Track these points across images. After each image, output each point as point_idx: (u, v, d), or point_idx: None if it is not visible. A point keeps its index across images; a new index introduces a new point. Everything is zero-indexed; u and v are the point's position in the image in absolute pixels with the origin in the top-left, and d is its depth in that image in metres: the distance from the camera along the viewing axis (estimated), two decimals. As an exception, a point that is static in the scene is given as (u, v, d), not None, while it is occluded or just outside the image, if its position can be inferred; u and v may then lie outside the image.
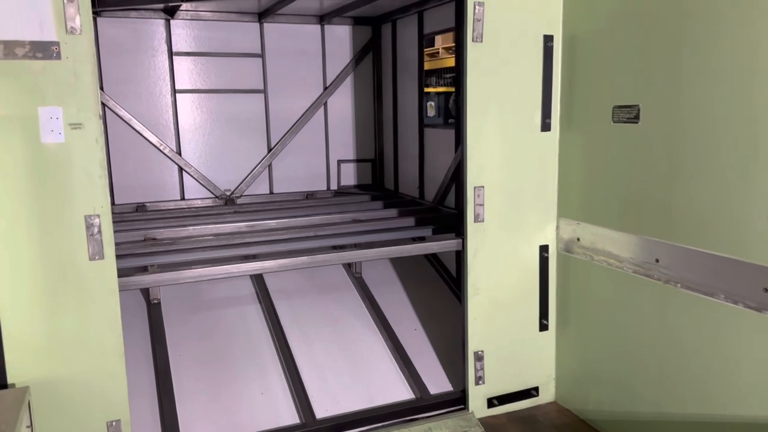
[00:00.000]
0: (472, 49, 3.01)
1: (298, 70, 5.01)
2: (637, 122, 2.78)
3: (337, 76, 5.15)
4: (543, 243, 3.33)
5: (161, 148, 4.71)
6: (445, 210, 4.29)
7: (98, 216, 2.52)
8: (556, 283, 3.39)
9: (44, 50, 2.37)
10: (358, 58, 5.19)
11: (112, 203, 4.65)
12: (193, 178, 4.85)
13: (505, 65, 3.10)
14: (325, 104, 5.16)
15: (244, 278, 4.20)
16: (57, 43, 2.39)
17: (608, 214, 2.99)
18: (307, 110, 5.10)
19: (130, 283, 2.69)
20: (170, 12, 4.53)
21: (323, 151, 5.24)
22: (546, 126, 3.22)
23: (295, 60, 4.99)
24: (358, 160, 5.38)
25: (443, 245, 3.28)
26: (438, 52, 7.62)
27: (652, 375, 2.83)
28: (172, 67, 4.65)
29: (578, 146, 3.16)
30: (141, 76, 4.59)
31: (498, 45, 3.06)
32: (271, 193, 5.13)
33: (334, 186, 5.33)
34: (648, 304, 2.81)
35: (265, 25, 4.87)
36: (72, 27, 2.40)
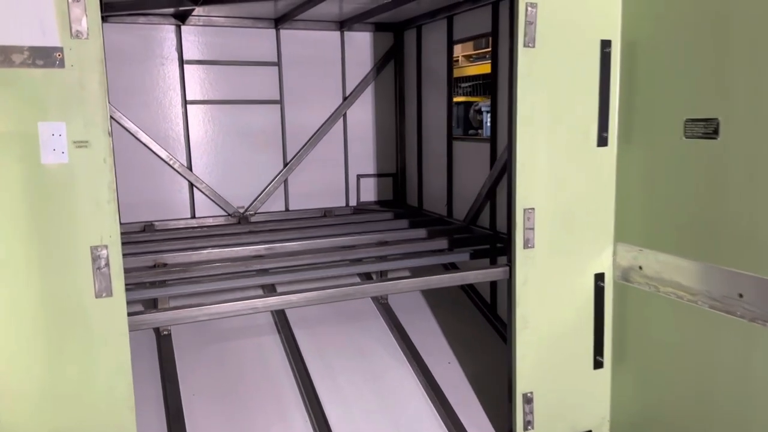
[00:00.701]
0: (523, 55, 2.69)
1: (316, 79, 4.71)
2: (715, 138, 2.45)
3: (357, 86, 4.84)
4: (598, 271, 3.00)
5: (170, 162, 4.40)
6: (478, 230, 3.97)
7: (106, 247, 2.19)
8: (612, 316, 3.05)
9: (46, 57, 2.06)
10: (379, 67, 4.89)
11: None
12: (205, 194, 4.53)
13: (559, 73, 2.78)
14: (345, 115, 4.85)
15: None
16: (60, 49, 2.07)
17: (678, 241, 2.66)
18: (325, 122, 4.79)
19: (142, 322, 2.36)
20: (181, 17, 4.23)
21: (342, 165, 4.93)
22: (603, 140, 2.90)
23: (313, 69, 4.68)
24: (378, 175, 5.06)
25: (488, 274, 2.94)
26: (458, 60, 7.31)
27: (729, 424, 2.49)
28: (183, 77, 4.35)
29: (640, 163, 2.83)
30: (149, 86, 4.29)
31: (551, 50, 2.74)
32: (287, 210, 4.81)
33: (353, 202, 5.01)
34: (728, 344, 2.48)
35: (281, 31, 4.56)
36: (78, 30, 2.09)
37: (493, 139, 3.80)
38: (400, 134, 4.99)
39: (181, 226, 4.47)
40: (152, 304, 3.30)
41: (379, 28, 4.82)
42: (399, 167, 5.06)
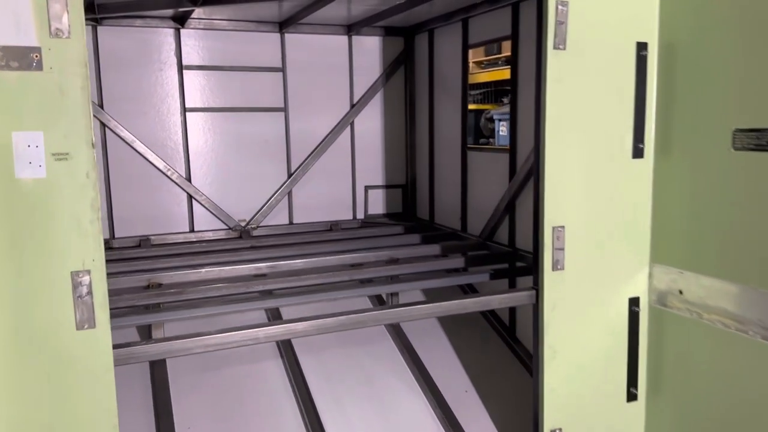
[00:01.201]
0: (552, 58, 2.45)
1: (323, 85, 4.48)
2: (770, 150, 2.19)
3: (366, 93, 4.61)
4: (633, 295, 2.74)
5: (168, 173, 4.16)
6: (495, 246, 3.71)
7: (88, 272, 1.95)
8: (647, 344, 2.79)
9: (21, 58, 1.82)
10: (388, 73, 4.65)
11: (111, 237, 4.09)
12: (204, 207, 4.29)
13: (591, 77, 2.54)
14: (352, 124, 4.62)
15: (262, 320, 3.59)
16: (38, 49, 1.83)
17: (725, 263, 2.40)
18: (331, 131, 4.55)
19: (131, 356, 2.10)
20: (180, 20, 4.00)
21: (349, 177, 4.68)
22: (638, 152, 2.65)
23: (319, 75, 4.45)
24: (387, 186, 4.82)
25: (512, 299, 2.68)
26: (468, 66, 7.06)
27: (786, 468, 2.22)
28: (182, 83, 4.12)
29: (680, 176, 2.58)
30: (146, 93, 4.06)
31: (582, 53, 2.50)
32: (291, 223, 4.57)
33: (360, 215, 4.76)
34: (785, 379, 2.21)
35: (286, 35, 4.33)
36: (57, 29, 1.85)
37: (512, 150, 3.55)
38: (410, 143, 4.75)
39: (179, 241, 4.23)
40: (145, 331, 3.05)
41: (388, 32, 4.58)
42: (409, 178, 4.81)
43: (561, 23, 2.44)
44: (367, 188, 4.75)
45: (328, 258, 3.54)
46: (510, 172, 3.57)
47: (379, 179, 4.78)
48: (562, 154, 2.52)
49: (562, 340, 2.63)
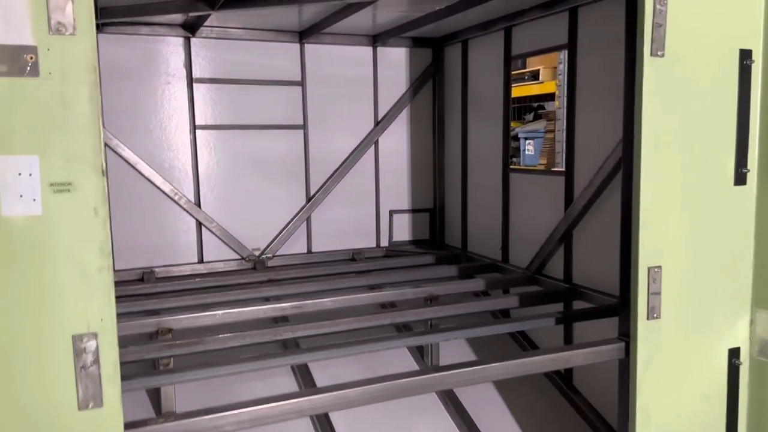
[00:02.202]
0: (649, 67, 2.06)
1: (345, 101, 4.09)
2: None
3: (391, 109, 4.22)
4: (733, 345, 2.33)
5: (175, 198, 3.73)
6: (547, 281, 3.29)
7: (95, 336, 1.52)
8: (747, 401, 2.37)
9: (10, 60, 1.41)
10: (416, 87, 4.27)
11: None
12: (215, 235, 3.86)
13: (691, 89, 2.15)
14: (376, 143, 4.22)
15: (285, 374, 3.15)
16: (33, 49, 1.43)
17: None
18: (354, 150, 4.15)
19: (144, 439, 1.65)
20: (191, 28, 3.60)
21: (373, 200, 4.28)
22: (741, 178, 2.26)
23: (341, 89, 4.07)
24: (413, 210, 4.40)
25: (597, 354, 2.25)
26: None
27: None
28: (192, 97, 3.72)
29: (794, 208, 2.19)
30: (152, 108, 3.65)
31: (682, 61, 2.12)
32: (309, 252, 4.14)
33: (384, 242, 4.34)
34: None
35: (306, 46, 3.95)
36: (59, 23, 1.44)
37: (568, 172, 3.15)
38: (438, 164, 4.35)
39: (187, 273, 3.79)
40: (155, 394, 2.61)
41: (416, 43, 4.21)
42: (437, 202, 4.40)
43: (659, 26, 2.06)
44: (391, 213, 4.33)
45: (358, 296, 3.10)
46: (566, 198, 3.16)
47: (404, 203, 4.37)
48: (661, 180, 2.12)
49: (656, 402, 2.21)
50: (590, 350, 2.25)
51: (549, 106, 6.03)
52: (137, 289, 3.35)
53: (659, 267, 2.15)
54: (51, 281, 1.48)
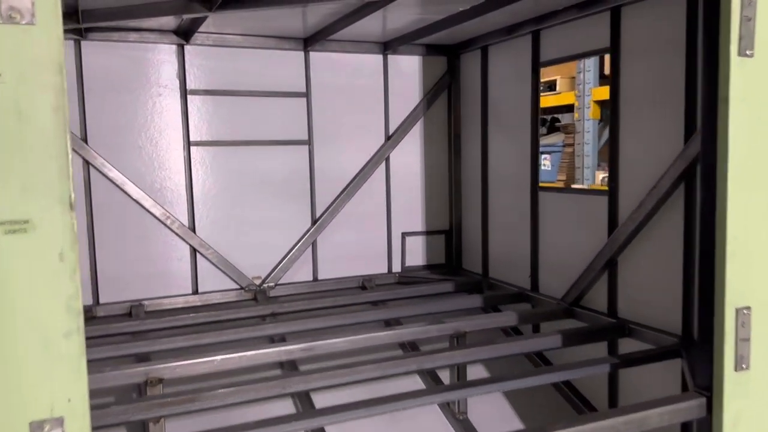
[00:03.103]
0: (737, 69, 1.72)
1: (354, 113, 3.78)
2: None
3: (403, 122, 3.90)
4: (828, 396, 1.97)
5: (167, 222, 3.38)
6: (587, 314, 2.93)
7: (60, 422, 1.15)
8: (844, 462, 2.01)
9: (-55, 57, 1.05)
10: (430, 98, 3.93)
11: (95, 303, 3.27)
12: (211, 262, 3.51)
13: (777, 97, 1.81)
14: (387, 159, 3.89)
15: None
16: (-23, 43, 1.07)
17: None
18: (363, 167, 3.82)
19: None
20: (185, 34, 3.26)
21: (384, 222, 3.94)
22: (836, 201, 1.91)
23: (349, 100, 3.76)
24: (428, 233, 4.05)
25: (675, 413, 1.89)
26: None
27: None
28: (186, 111, 3.38)
29: None
30: (142, 123, 3.32)
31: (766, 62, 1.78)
32: (315, 279, 3.78)
33: (396, 267, 3.98)
34: None
35: (311, 54, 3.63)
36: (12, 8, 1.09)
37: (612, 192, 2.80)
38: (455, 182, 4.01)
39: (180, 306, 3.42)
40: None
41: (430, 50, 3.89)
42: (453, 223, 4.05)
43: (748, 20, 1.72)
44: (404, 235, 3.98)
45: (374, 335, 2.73)
46: (609, 221, 2.82)
47: (418, 224, 4.03)
48: (751, 203, 1.78)
49: (746, 468, 1.85)
50: (668, 409, 1.89)
51: (565, 118, 5.72)
52: (123, 327, 2.96)
53: (748, 308, 1.80)
54: (2, 353, 1.11)
